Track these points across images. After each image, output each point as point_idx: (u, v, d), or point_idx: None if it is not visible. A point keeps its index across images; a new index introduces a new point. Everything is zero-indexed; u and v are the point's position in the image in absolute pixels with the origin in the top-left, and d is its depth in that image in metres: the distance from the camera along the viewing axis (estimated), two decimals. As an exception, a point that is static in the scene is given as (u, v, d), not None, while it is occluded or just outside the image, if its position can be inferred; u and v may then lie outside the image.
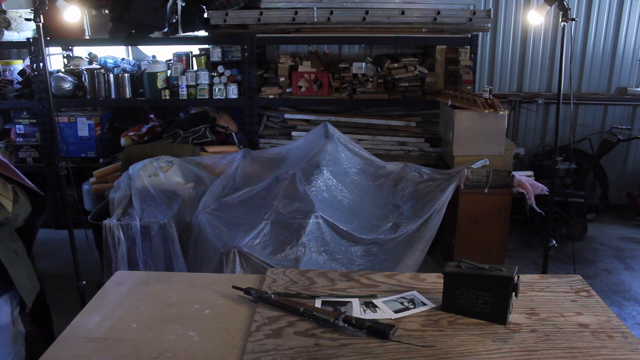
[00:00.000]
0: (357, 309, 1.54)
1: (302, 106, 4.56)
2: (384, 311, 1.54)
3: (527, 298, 1.60)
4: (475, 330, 1.45)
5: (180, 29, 4.31)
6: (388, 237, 3.16)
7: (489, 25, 4.34)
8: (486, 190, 3.50)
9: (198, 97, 4.37)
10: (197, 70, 4.38)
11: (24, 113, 4.61)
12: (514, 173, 3.53)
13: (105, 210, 3.42)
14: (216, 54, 4.36)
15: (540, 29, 4.76)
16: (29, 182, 1.87)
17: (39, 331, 1.96)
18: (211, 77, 4.37)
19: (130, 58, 4.97)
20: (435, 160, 4.29)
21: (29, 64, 4.51)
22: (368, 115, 4.49)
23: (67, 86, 4.41)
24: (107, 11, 4.35)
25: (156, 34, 4.30)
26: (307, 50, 4.77)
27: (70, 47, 4.98)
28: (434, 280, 1.72)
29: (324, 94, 4.36)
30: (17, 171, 1.83)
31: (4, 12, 4.33)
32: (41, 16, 2.70)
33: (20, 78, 4.52)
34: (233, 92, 4.36)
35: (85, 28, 4.47)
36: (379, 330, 1.40)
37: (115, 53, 4.94)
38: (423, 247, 3.20)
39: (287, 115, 4.53)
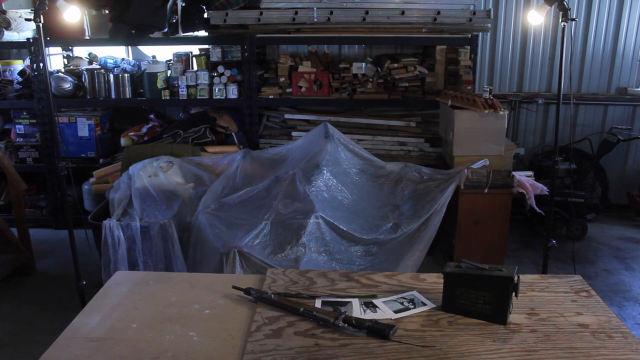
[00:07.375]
0: (357, 309, 1.54)
1: (302, 106, 4.56)
2: (384, 311, 1.54)
3: (527, 298, 1.60)
4: (475, 330, 1.45)
5: (180, 29, 4.31)
6: (388, 237, 3.16)
7: (489, 25, 4.34)
8: (486, 190, 3.50)
9: (198, 97, 4.37)
10: (197, 71, 4.38)
11: (24, 113, 4.62)
12: (514, 173, 3.53)
13: (105, 210, 3.42)
14: (216, 54, 4.35)
15: (540, 29, 4.76)
16: None
17: None
18: (211, 77, 4.37)
19: (130, 58, 4.97)
20: (435, 160, 4.29)
21: (29, 64, 4.51)
22: (368, 115, 4.48)
23: (67, 86, 4.41)
24: (107, 11, 4.35)
25: (156, 34, 4.30)
26: (307, 50, 4.77)
27: (70, 47, 4.97)
28: (434, 280, 1.72)
29: (324, 94, 4.35)
30: None
31: (4, 12, 4.33)
32: (41, 16, 2.70)
33: (20, 78, 4.52)
34: (233, 92, 4.36)
35: (85, 28, 4.47)
36: (379, 331, 1.40)
37: (115, 53, 4.94)
38: (423, 247, 3.20)
39: (287, 116, 4.53)
